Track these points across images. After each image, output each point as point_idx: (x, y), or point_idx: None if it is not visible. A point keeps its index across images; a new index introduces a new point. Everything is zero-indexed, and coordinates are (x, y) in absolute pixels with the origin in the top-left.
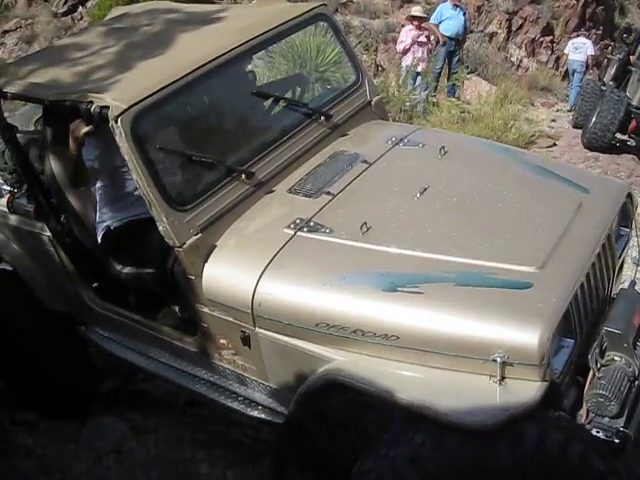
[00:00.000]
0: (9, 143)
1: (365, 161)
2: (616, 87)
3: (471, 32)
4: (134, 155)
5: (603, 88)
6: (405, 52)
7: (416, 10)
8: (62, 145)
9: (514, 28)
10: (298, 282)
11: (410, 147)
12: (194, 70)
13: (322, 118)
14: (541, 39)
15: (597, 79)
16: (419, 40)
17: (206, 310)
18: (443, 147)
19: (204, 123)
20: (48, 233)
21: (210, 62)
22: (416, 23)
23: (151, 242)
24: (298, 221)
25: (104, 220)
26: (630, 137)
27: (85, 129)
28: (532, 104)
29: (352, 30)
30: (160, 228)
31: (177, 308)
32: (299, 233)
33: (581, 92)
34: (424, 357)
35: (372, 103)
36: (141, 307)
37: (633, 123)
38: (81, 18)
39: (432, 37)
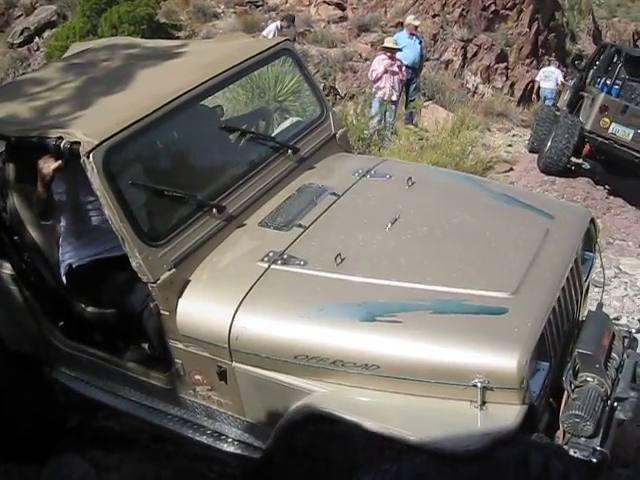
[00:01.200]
0: None
1: (334, 193)
2: (570, 112)
3: (427, 60)
4: (106, 191)
5: (557, 113)
6: (377, 80)
7: (388, 41)
8: (26, 181)
9: (469, 55)
10: (275, 315)
11: (377, 179)
12: (164, 105)
13: (289, 151)
14: (496, 66)
15: (552, 104)
16: (391, 69)
17: (180, 346)
18: (410, 178)
19: (174, 158)
20: (10, 271)
21: (179, 97)
22: (389, 54)
23: (114, 280)
24: (271, 254)
25: (66, 258)
26: (585, 160)
27: (54, 165)
28: (489, 129)
29: (310, 59)
30: (133, 264)
31: (147, 345)
32: (273, 266)
33: (536, 117)
34: (405, 385)
35: (337, 136)
36: (108, 345)
37: (587, 147)
38: (37, 49)
39: (403, 68)
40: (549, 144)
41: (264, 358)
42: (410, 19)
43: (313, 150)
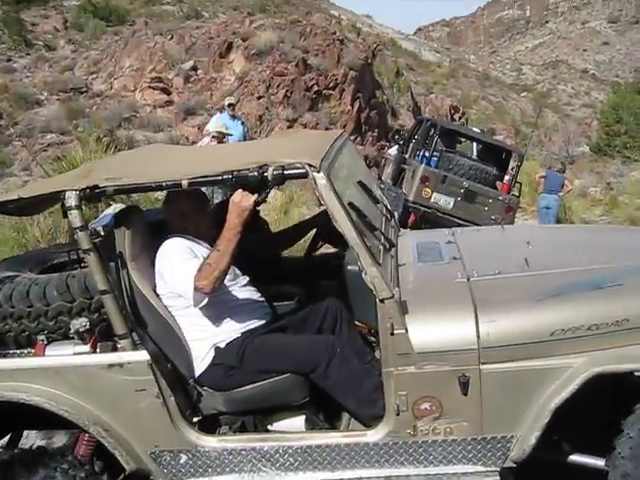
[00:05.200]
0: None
1: (449, 242)
2: (393, 184)
3: (252, 140)
4: (340, 205)
5: (382, 186)
6: None
7: (218, 126)
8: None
9: None
10: (513, 305)
11: (468, 231)
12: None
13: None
14: None
15: (377, 177)
16: None
17: (411, 370)
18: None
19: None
20: (147, 357)
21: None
22: (218, 139)
23: (284, 344)
24: (459, 274)
25: (208, 337)
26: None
27: (254, 197)
28: (318, 206)
29: (136, 144)
30: (370, 280)
31: (346, 398)
32: (472, 279)
33: None
34: None
35: None
36: (264, 426)
37: (412, 217)
38: None
39: None
40: None
41: (518, 347)
42: (226, 100)
43: None
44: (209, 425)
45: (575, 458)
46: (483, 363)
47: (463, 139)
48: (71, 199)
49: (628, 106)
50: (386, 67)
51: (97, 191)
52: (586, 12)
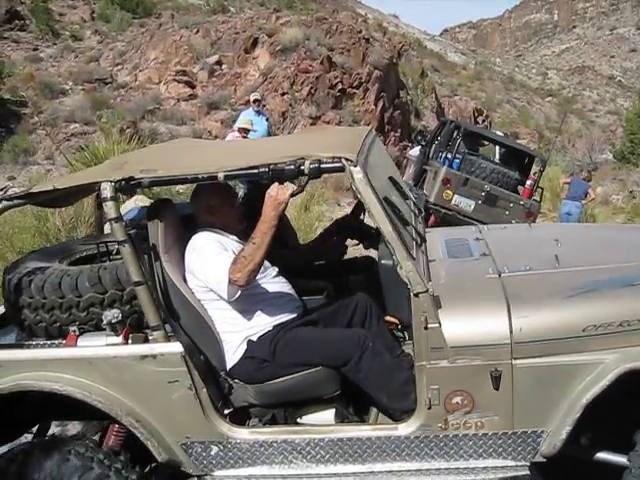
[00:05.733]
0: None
1: (477, 239)
2: (415, 185)
3: (276, 136)
4: (376, 198)
5: None
6: None
7: (245, 121)
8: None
9: None
10: (546, 301)
11: (494, 228)
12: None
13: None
14: None
15: None
16: None
17: (443, 364)
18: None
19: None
20: (180, 349)
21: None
22: (243, 133)
23: (313, 338)
24: (490, 270)
25: (240, 330)
26: None
27: (290, 190)
28: (338, 204)
29: (159, 137)
30: (405, 273)
31: (378, 391)
32: (503, 275)
33: None
34: None
35: None
36: (294, 419)
37: (432, 218)
38: None
39: None
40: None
41: (550, 342)
42: (251, 96)
43: None
44: (239, 418)
45: (600, 455)
46: (515, 358)
47: (486, 142)
48: (107, 190)
49: None
50: (411, 67)
51: (132, 183)
52: (615, 18)
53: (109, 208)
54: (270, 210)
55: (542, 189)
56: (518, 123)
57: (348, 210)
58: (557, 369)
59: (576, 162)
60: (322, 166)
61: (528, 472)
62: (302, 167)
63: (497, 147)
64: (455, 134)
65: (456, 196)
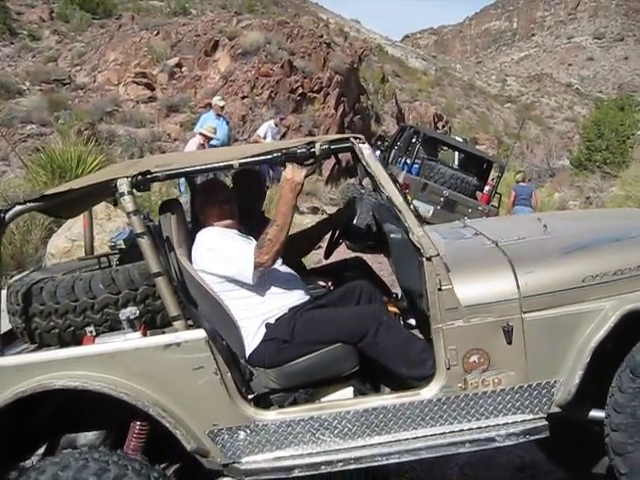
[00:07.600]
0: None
1: (464, 226)
2: (373, 190)
3: (236, 140)
4: (385, 170)
5: (362, 191)
6: None
7: (208, 129)
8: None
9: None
10: (546, 258)
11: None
12: None
13: None
14: None
15: (358, 182)
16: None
17: (459, 324)
18: None
19: None
20: (204, 335)
21: None
22: (206, 139)
23: (330, 316)
24: (488, 242)
25: (256, 315)
26: None
27: (304, 171)
28: (298, 209)
29: (117, 139)
30: (417, 239)
31: (396, 362)
32: (499, 243)
33: (342, 196)
34: None
35: None
36: (313, 402)
37: None
38: None
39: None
40: (355, 221)
41: (554, 294)
42: (216, 100)
43: None
44: (260, 406)
45: (593, 414)
46: (524, 312)
47: (445, 148)
48: (123, 185)
49: (610, 122)
50: (372, 73)
51: (148, 176)
52: (572, 27)
53: (127, 202)
54: (288, 192)
55: (500, 195)
56: (477, 129)
57: (308, 215)
58: (563, 319)
59: (534, 168)
60: (332, 147)
61: (546, 422)
62: (313, 149)
63: (456, 153)
64: (415, 139)
65: (415, 201)
